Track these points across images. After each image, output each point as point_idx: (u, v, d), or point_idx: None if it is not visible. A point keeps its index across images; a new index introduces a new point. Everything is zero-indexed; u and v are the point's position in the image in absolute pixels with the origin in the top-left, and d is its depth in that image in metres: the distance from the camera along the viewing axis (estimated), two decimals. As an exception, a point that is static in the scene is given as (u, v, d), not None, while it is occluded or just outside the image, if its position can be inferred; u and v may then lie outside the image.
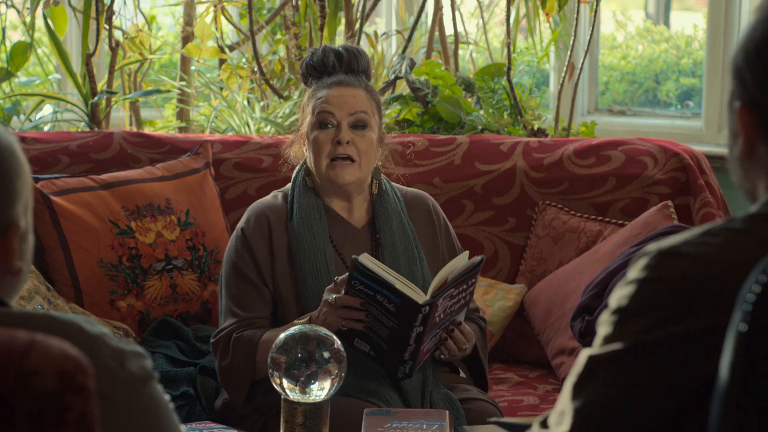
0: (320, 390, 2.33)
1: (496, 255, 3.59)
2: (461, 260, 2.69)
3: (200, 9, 4.47)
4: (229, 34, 4.88)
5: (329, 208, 2.95)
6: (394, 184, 3.03)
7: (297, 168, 2.99)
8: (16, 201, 1.48)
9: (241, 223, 2.94)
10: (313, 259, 2.86)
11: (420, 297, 2.63)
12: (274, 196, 2.98)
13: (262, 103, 4.42)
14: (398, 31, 4.75)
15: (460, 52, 4.77)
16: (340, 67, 2.91)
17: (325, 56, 2.91)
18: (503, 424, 1.99)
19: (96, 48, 4.06)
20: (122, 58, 4.38)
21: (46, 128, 4.38)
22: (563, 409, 1.47)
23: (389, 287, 2.63)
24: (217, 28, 4.43)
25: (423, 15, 4.47)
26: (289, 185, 2.99)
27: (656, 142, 3.66)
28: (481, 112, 4.16)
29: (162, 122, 4.55)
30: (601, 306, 2.99)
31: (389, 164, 3.01)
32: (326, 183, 2.90)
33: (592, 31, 4.32)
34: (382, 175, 2.99)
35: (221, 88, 4.36)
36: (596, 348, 1.47)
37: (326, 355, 2.34)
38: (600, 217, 3.52)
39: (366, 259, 2.64)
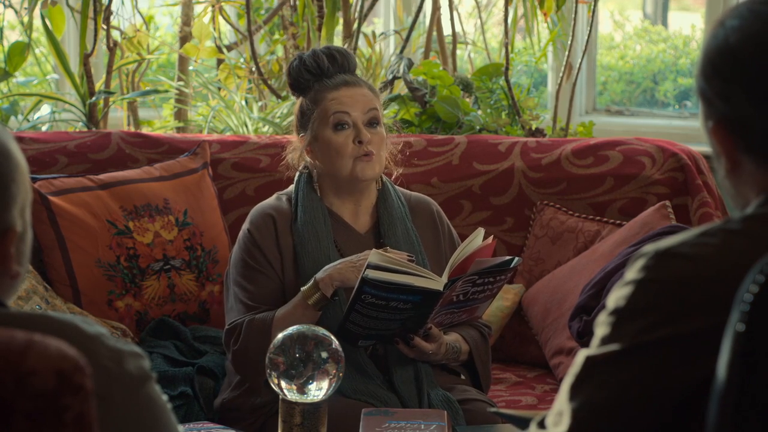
0: (318, 390, 2.33)
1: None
2: (476, 239, 2.73)
3: (198, 9, 4.47)
4: (227, 34, 4.87)
5: (333, 213, 2.94)
6: (398, 187, 3.03)
7: (299, 171, 2.98)
8: (12, 205, 1.46)
9: (246, 225, 2.93)
10: (318, 263, 2.85)
11: (438, 283, 2.65)
12: (278, 198, 2.98)
13: (260, 103, 4.42)
14: (396, 31, 4.74)
15: (458, 52, 4.77)
16: (335, 68, 2.91)
17: (318, 59, 2.90)
18: (503, 414, 1.99)
19: (94, 48, 4.06)
20: (120, 58, 4.38)
21: (43, 128, 4.38)
22: (561, 409, 1.47)
23: (405, 289, 2.63)
24: (215, 28, 4.43)
25: (421, 15, 4.47)
26: (291, 187, 2.98)
27: (654, 142, 3.66)
28: (479, 112, 4.16)
29: (160, 122, 4.55)
30: (599, 306, 2.99)
31: (389, 164, 3.01)
32: (347, 183, 2.90)
33: (590, 31, 4.32)
34: (383, 175, 2.99)
35: (219, 88, 4.35)
36: (594, 348, 1.47)
37: (324, 355, 2.34)
38: (598, 217, 3.52)
39: (375, 273, 2.63)
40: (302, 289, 2.78)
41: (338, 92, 2.88)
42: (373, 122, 2.89)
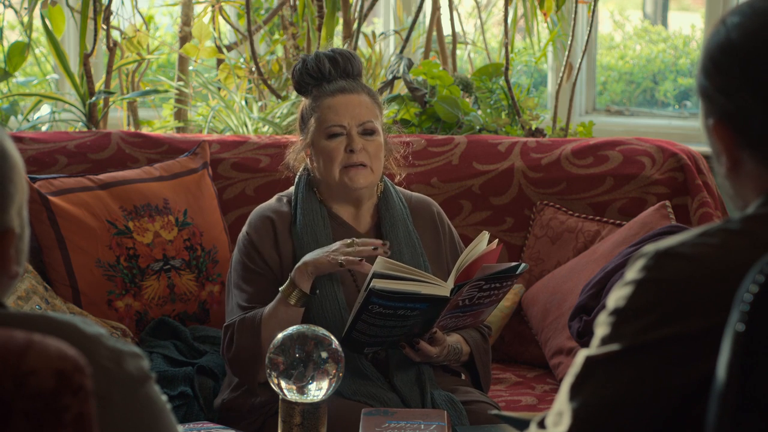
0: (318, 390, 2.33)
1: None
2: (482, 243, 2.72)
3: (198, 9, 4.47)
4: (227, 34, 4.87)
5: (334, 214, 2.94)
6: (398, 188, 3.03)
7: (299, 173, 2.98)
8: (10, 206, 1.45)
9: (245, 228, 2.93)
10: None
11: (445, 289, 2.65)
12: (279, 200, 2.97)
13: (259, 103, 4.42)
14: (396, 31, 4.74)
15: (458, 52, 4.77)
16: (337, 72, 2.90)
17: (320, 62, 2.89)
18: (504, 417, 1.99)
19: (94, 48, 4.06)
20: (120, 58, 4.38)
21: (43, 128, 4.38)
22: (561, 409, 1.47)
23: (412, 297, 2.63)
24: (214, 28, 4.43)
25: (421, 15, 4.47)
26: (292, 188, 2.98)
27: (654, 142, 3.66)
28: (479, 112, 4.16)
29: (160, 122, 4.55)
30: (599, 306, 2.99)
31: (390, 165, 3.01)
32: (340, 190, 2.89)
33: (590, 31, 4.31)
34: (385, 177, 2.99)
35: (219, 88, 4.35)
36: (594, 348, 1.47)
37: (324, 355, 2.34)
38: (598, 217, 3.52)
39: (382, 283, 2.62)
40: (281, 289, 2.78)
41: (334, 99, 2.87)
42: (368, 132, 2.88)
